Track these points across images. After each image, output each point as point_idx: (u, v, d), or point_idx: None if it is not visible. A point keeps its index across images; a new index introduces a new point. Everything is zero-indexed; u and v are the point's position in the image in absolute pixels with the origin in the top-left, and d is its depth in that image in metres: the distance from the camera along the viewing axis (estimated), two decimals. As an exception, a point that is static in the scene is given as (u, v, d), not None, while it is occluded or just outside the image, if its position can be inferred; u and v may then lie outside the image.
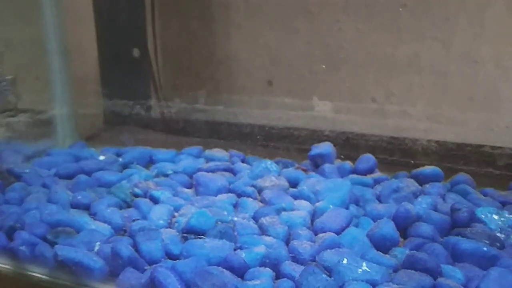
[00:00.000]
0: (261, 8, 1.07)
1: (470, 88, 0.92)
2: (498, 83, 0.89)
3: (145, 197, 0.74)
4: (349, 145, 0.96)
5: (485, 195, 0.74)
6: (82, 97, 1.01)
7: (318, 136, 0.98)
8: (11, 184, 0.80)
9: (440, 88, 0.98)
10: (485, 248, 0.57)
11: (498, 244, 0.59)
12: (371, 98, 1.03)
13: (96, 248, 0.62)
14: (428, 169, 0.79)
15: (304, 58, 1.06)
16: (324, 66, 1.01)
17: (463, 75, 0.92)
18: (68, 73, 0.97)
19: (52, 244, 0.63)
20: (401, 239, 0.63)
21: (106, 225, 0.67)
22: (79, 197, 0.74)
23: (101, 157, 0.88)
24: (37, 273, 0.63)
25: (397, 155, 0.93)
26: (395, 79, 1.01)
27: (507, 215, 0.64)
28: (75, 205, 0.73)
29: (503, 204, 0.70)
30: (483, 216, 0.64)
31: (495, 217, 0.64)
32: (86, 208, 0.72)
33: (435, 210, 0.67)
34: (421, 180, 0.77)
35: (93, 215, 0.70)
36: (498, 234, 0.62)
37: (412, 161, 0.90)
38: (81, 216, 0.68)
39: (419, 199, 0.70)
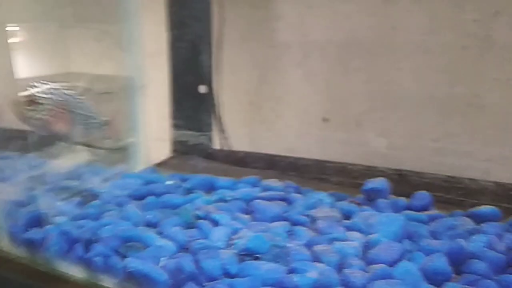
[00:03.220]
0: (321, 48, 1.14)
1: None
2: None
3: (206, 220, 0.79)
4: (404, 182, 0.97)
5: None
6: (154, 128, 1.11)
7: (372, 172, 1.00)
8: (90, 202, 0.89)
9: (501, 129, 0.97)
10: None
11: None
12: (428, 137, 1.04)
13: (162, 263, 0.68)
14: (486, 208, 0.78)
15: (362, 96, 1.10)
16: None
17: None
18: (142, 105, 1.08)
19: (123, 257, 0.70)
20: (455, 275, 0.63)
21: (171, 242, 0.73)
22: (148, 216, 0.81)
23: (168, 182, 0.96)
24: (107, 282, 0.69)
25: (453, 193, 0.92)
26: (454, 118, 1.01)
27: None
28: (145, 223, 0.80)
29: None
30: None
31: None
32: (154, 226, 0.79)
33: (491, 248, 0.66)
34: (478, 219, 0.76)
35: (160, 233, 0.76)
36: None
37: (469, 201, 0.89)
38: (149, 233, 0.75)
39: (475, 237, 0.69)
